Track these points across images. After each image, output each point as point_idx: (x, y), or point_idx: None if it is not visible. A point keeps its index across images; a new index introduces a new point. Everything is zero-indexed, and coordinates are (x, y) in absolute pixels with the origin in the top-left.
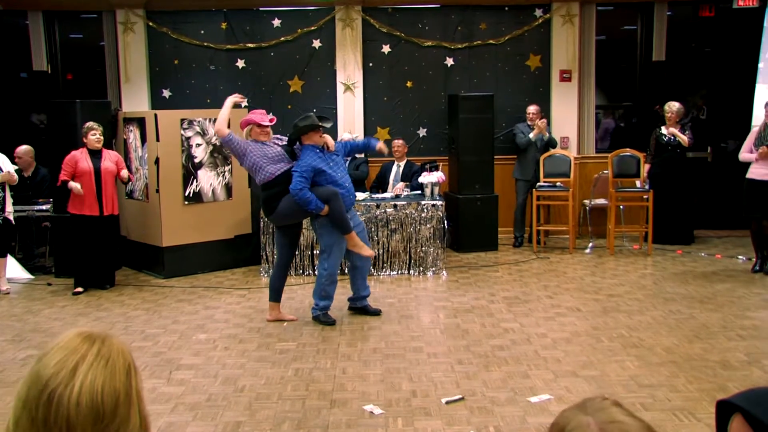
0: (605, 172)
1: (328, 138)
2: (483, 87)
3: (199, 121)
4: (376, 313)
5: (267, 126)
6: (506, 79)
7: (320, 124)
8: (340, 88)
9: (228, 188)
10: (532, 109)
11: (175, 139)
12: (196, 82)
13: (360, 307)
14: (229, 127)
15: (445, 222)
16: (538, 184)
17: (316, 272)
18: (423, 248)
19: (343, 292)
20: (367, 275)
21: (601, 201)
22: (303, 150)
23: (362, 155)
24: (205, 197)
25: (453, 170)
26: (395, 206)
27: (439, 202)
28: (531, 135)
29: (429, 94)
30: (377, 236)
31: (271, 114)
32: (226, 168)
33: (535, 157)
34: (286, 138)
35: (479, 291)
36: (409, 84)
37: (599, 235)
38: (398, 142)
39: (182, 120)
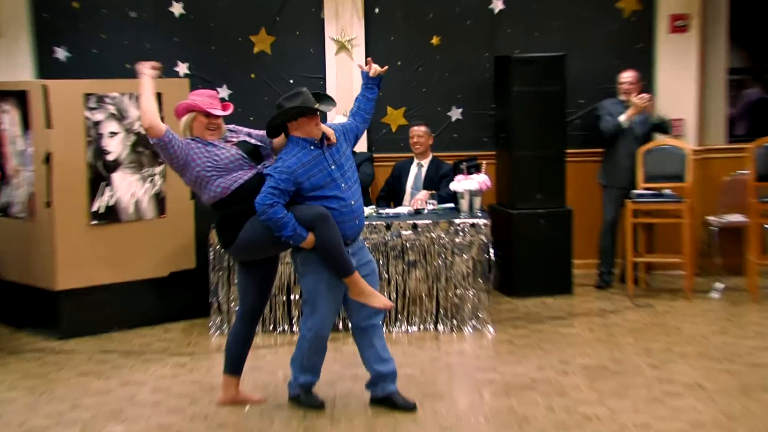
0: (742, 172)
1: (326, 128)
2: (549, 44)
3: (114, 98)
4: (409, 407)
5: (219, 117)
6: (585, 31)
7: (317, 106)
8: (330, 48)
9: (159, 200)
10: (626, 76)
11: (77, 124)
12: (108, 38)
13: (382, 397)
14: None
15: (492, 251)
16: (636, 192)
17: (296, 330)
18: (458, 291)
19: (335, 359)
20: (383, 338)
21: (735, 218)
22: (287, 145)
23: (365, 151)
24: (123, 214)
25: (503, 172)
26: (415, 227)
27: (482, 221)
28: (623, 117)
29: (466, 56)
30: (387, 273)
31: (224, 94)
32: (156, 169)
33: (631, 150)
34: (249, 131)
35: (544, 357)
36: (435, 40)
37: (733, 271)
38: (419, 130)
39: (87, 95)
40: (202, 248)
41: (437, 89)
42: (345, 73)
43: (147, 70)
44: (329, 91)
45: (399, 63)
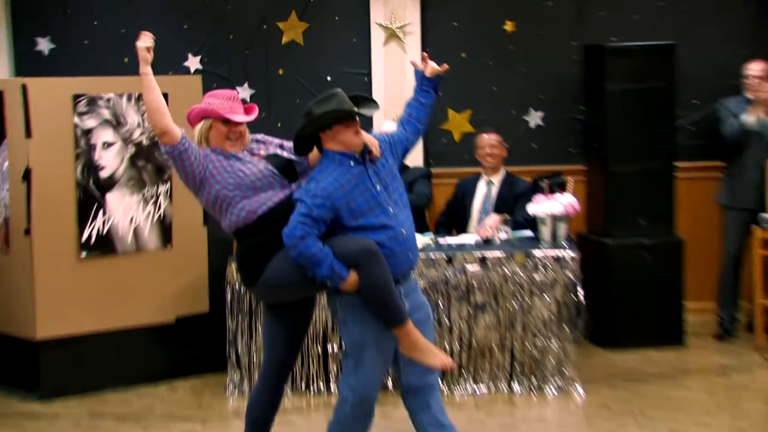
0: None
1: (368, 137)
2: (653, 30)
3: (109, 100)
4: None
5: (240, 124)
6: (700, 13)
7: (357, 110)
8: (377, 36)
9: (165, 227)
10: (754, 68)
11: (63, 133)
12: (102, 26)
13: None
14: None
15: (581, 291)
16: (766, 216)
17: (334, 390)
18: (537, 341)
19: (383, 428)
20: (441, 401)
21: None
22: (321, 162)
23: (419, 166)
24: (120, 244)
25: (595, 191)
26: (483, 260)
27: (569, 253)
28: (749, 117)
29: (548, 46)
30: (449, 318)
31: (245, 95)
32: (161, 188)
33: (761, 162)
34: (280, 141)
35: (648, 426)
36: (508, 26)
37: None
38: (490, 139)
39: (76, 97)
40: (218, 287)
41: (511, 87)
42: (396, 67)
43: (145, 53)
44: (375, 91)
45: (463, 54)
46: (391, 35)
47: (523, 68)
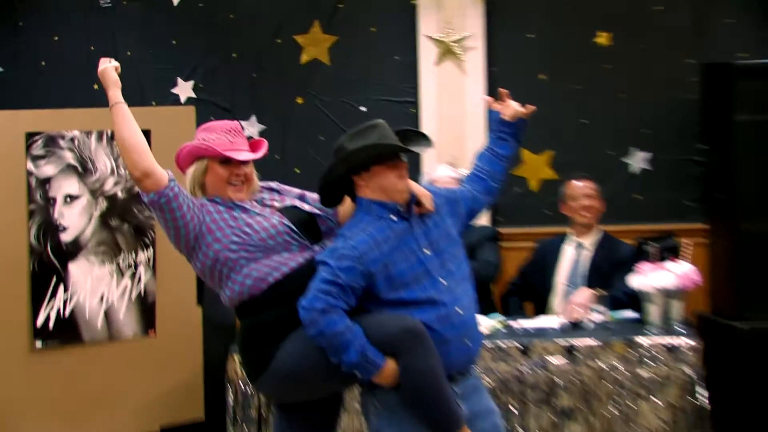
0: None
1: (417, 187)
2: None
3: (73, 139)
4: None
5: (245, 163)
6: None
7: (403, 145)
8: (427, 53)
9: (146, 307)
10: None
11: (12, 183)
12: (64, 42)
13: None
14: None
15: (702, 393)
16: None
17: None
18: None
19: None
20: None
21: None
22: (354, 215)
23: (484, 224)
24: (86, 331)
25: (721, 258)
26: (571, 351)
27: (686, 341)
28: None
29: (655, 64)
30: (524, 428)
31: (252, 131)
32: (141, 256)
33: None
34: (301, 192)
35: None
36: (602, 39)
37: None
38: (584, 188)
39: (30, 136)
40: (216, 388)
41: (607, 120)
42: (452, 93)
43: (112, 73)
44: (425, 125)
45: (542, 77)
46: (446, 51)
47: (622, 94)
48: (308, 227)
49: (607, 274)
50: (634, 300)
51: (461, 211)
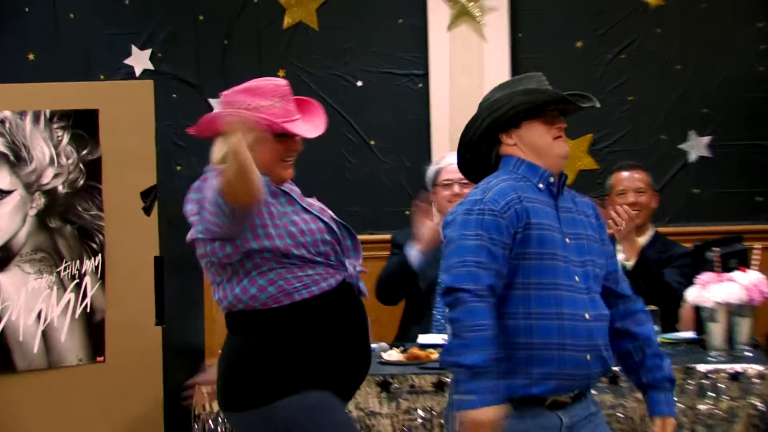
0: None
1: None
2: None
3: (3, 121)
4: None
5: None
6: None
7: (562, 94)
8: (438, 16)
9: (93, 326)
10: None
11: None
12: None
13: None
14: None
15: None
16: None
17: None
18: None
19: None
20: None
21: None
22: (497, 172)
23: None
24: (20, 356)
25: None
26: (613, 382)
27: (755, 368)
28: None
29: (716, 29)
30: None
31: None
32: (87, 265)
33: None
34: (319, 205)
35: None
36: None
37: None
38: (634, 179)
39: None
40: (179, 423)
41: (659, 98)
42: (468, 64)
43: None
44: (435, 101)
45: (579, 44)
46: (461, 13)
47: (677, 66)
48: (346, 239)
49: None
50: (697, 318)
51: (604, 235)
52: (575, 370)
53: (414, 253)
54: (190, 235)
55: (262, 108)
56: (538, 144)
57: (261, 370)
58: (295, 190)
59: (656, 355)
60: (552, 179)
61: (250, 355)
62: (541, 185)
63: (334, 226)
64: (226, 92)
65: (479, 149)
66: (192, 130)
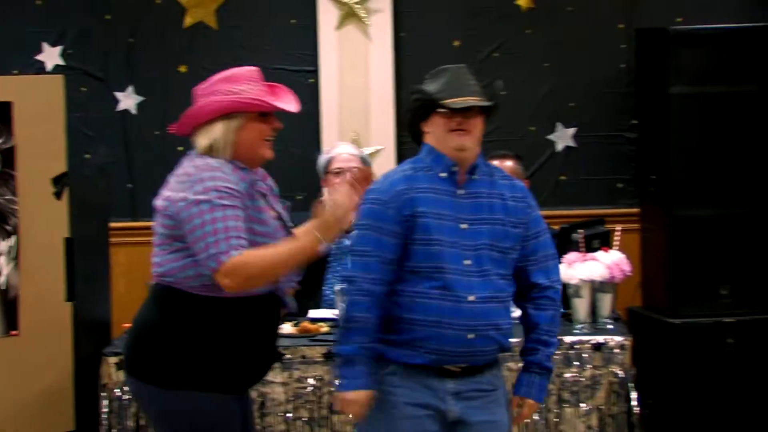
0: None
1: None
2: (737, 6)
3: None
4: None
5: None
6: None
7: (442, 97)
8: (326, 17)
9: (6, 302)
10: None
11: None
12: None
13: None
14: None
15: (634, 396)
16: None
17: None
18: None
19: None
20: None
21: None
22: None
23: None
24: None
25: (654, 247)
26: None
27: (616, 339)
28: None
29: (581, 30)
30: None
31: (129, 104)
32: (1, 244)
33: None
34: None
35: None
36: (523, 0)
37: None
38: (504, 166)
39: None
40: (88, 395)
41: (529, 93)
42: (355, 61)
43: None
44: (325, 97)
45: (456, 43)
46: (349, 14)
47: (545, 64)
48: None
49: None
50: (560, 294)
51: (519, 226)
52: (456, 348)
53: None
54: (157, 205)
55: (242, 92)
56: (437, 135)
57: (169, 352)
58: (267, 188)
59: (538, 341)
60: (455, 168)
61: (163, 333)
62: (443, 174)
63: (286, 229)
64: (203, 84)
65: (417, 133)
66: (174, 128)
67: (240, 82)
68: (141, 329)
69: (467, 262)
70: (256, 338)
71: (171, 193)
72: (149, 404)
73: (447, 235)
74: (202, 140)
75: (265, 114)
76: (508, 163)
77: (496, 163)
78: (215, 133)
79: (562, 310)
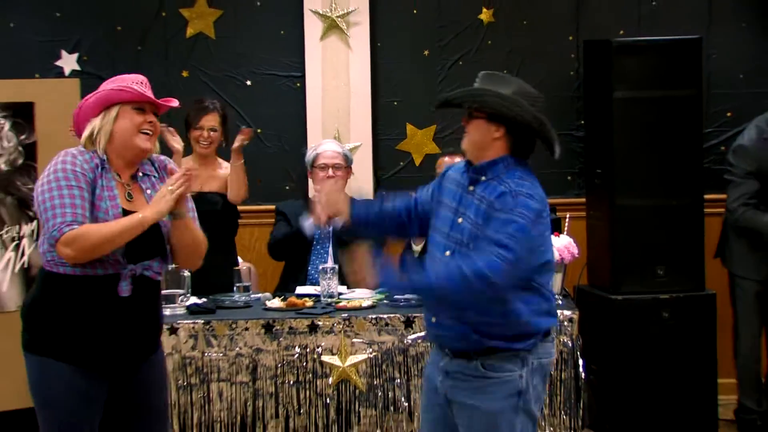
0: None
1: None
2: (674, 20)
3: None
4: None
5: (162, 109)
6: (734, 1)
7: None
8: (312, 29)
9: (28, 279)
10: None
11: None
12: None
13: None
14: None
15: (581, 364)
16: None
17: None
18: None
19: None
20: None
21: None
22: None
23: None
24: None
25: (598, 232)
26: None
27: (564, 314)
28: None
29: (535, 41)
30: (407, 401)
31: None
32: (24, 229)
33: None
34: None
35: None
36: (485, 15)
37: None
38: (448, 163)
39: None
40: None
41: None
42: (337, 67)
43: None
44: (311, 99)
45: (426, 53)
46: (331, 26)
47: (504, 70)
48: (145, 241)
49: None
50: None
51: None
52: (428, 328)
53: (308, 224)
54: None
55: (122, 87)
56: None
57: (33, 322)
58: (148, 179)
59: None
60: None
61: (33, 306)
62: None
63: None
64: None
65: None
66: (72, 128)
67: (123, 82)
68: (24, 302)
69: (447, 252)
70: (91, 316)
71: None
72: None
73: (440, 223)
74: (86, 131)
75: (142, 109)
76: (458, 159)
77: (446, 159)
78: (94, 124)
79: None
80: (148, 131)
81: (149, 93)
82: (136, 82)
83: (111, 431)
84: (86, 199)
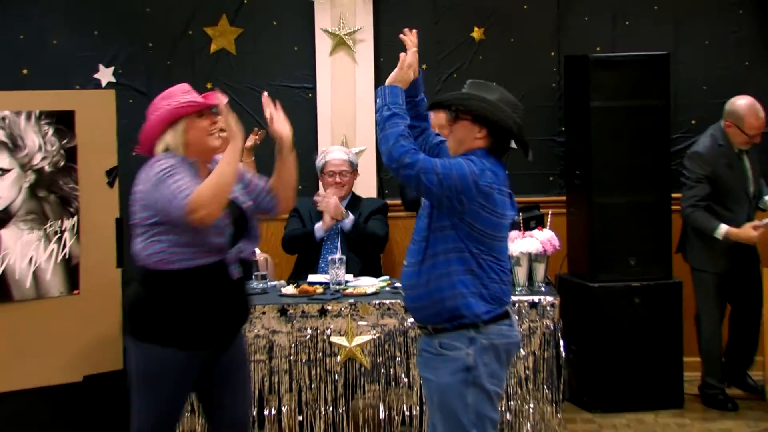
0: None
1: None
2: (645, 38)
3: (3, 118)
4: None
5: (217, 107)
6: (701, 18)
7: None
8: (322, 45)
9: (71, 268)
10: (745, 107)
11: None
12: None
13: None
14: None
15: (562, 344)
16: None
17: None
18: (511, 403)
19: None
20: None
21: None
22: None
23: (374, 197)
24: (16, 289)
25: (578, 226)
26: None
27: (547, 299)
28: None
29: (521, 57)
30: (406, 377)
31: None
32: (66, 223)
33: (747, 213)
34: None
35: None
36: (477, 34)
37: None
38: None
39: None
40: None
41: None
42: (344, 80)
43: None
44: (321, 108)
45: (424, 66)
46: (340, 43)
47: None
48: (237, 227)
49: None
50: None
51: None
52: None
53: (318, 227)
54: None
55: (181, 104)
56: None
57: (144, 315)
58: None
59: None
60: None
61: (141, 302)
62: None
63: (247, 215)
64: (150, 106)
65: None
66: (138, 149)
67: (174, 96)
68: (129, 302)
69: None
70: (206, 302)
71: (136, 187)
72: (132, 353)
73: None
74: (159, 147)
75: (202, 113)
76: (442, 115)
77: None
78: (167, 140)
79: None
80: (214, 132)
81: (199, 98)
82: (184, 92)
83: (205, 403)
84: (191, 177)
